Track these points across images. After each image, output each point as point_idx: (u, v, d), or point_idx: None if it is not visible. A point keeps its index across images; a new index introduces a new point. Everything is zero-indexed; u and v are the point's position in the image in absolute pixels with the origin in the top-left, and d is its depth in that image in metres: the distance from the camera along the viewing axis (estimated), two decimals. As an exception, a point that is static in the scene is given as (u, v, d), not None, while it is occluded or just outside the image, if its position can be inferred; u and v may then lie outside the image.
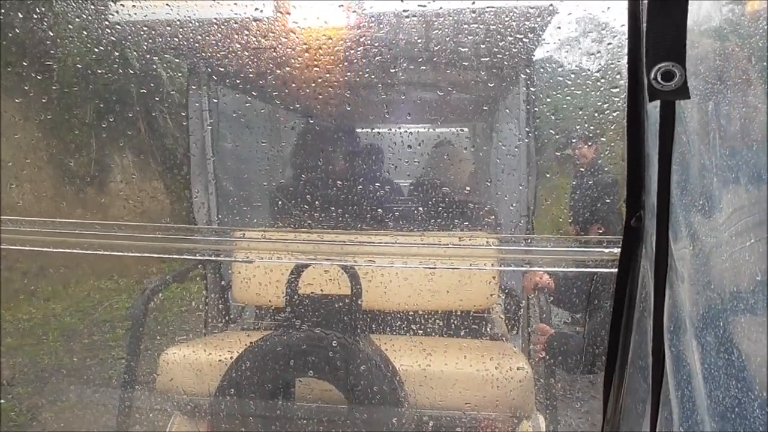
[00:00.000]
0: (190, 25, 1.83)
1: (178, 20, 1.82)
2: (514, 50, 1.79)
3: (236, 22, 1.79)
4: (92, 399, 3.17)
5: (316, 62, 1.80)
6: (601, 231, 1.80)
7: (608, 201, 1.84)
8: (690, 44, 0.76)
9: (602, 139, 1.78)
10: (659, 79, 0.76)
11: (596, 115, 1.73)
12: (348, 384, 1.74)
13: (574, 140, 1.90)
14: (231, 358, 1.82)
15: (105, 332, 4.03)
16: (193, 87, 2.32)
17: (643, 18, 0.93)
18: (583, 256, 1.71)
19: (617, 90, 1.64)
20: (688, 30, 0.75)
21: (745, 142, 0.74)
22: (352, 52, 1.81)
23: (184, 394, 1.94)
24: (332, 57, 1.80)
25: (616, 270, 1.20)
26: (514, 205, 2.09)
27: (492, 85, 2.00)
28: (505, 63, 1.83)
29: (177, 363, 1.95)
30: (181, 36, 1.93)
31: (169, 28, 1.88)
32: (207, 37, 1.90)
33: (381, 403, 1.72)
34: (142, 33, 1.98)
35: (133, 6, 1.89)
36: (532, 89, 2.15)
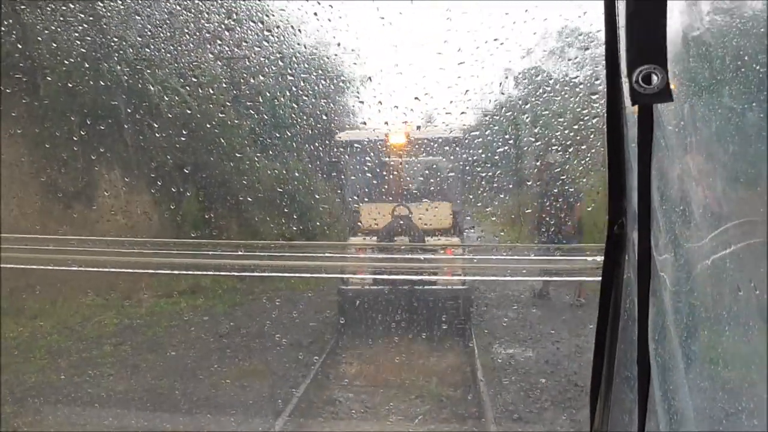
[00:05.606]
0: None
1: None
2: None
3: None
4: (78, 420, 3.10)
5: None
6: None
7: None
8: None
9: (582, 146, 1.76)
10: (641, 81, 0.73)
11: (576, 121, 1.72)
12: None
13: (555, 147, 1.89)
14: None
15: (92, 349, 3.96)
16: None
17: (620, 21, 0.92)
18: (566, 264, 1.70)
19: (596, 96, 1.62)
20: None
21: (722, 145, 0.71)
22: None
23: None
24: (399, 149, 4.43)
25: (600, 279, 1.18)
26: (495, 215, 2.43)
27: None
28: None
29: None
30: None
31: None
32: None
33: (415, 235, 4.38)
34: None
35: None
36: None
